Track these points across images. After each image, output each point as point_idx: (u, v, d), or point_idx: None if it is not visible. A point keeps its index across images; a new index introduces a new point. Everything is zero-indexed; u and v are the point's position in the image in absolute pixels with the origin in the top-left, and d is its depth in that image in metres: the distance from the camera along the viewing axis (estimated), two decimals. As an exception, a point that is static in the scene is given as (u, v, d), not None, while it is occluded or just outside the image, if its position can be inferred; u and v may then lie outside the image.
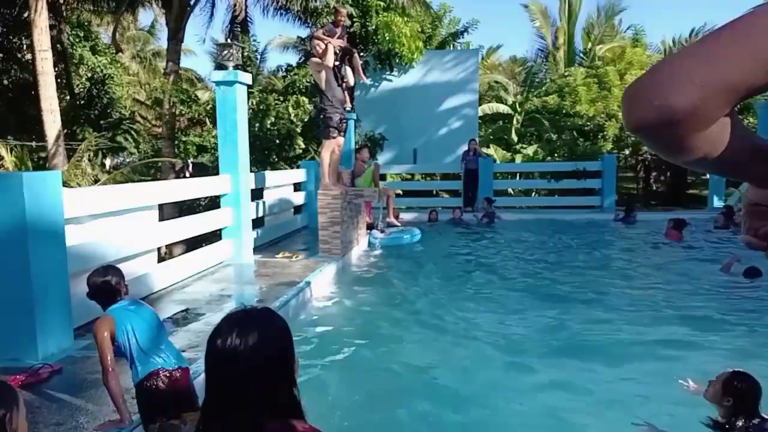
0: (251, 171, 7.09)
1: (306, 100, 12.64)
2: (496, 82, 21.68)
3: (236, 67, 6.49)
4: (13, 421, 1.28)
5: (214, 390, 1.18)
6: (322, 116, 6.86)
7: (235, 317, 1.21)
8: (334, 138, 6.89)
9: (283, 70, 15.61)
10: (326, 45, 6.57)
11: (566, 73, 17.87)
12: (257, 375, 1.14)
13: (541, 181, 13.74)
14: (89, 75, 18.02)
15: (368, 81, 7.79)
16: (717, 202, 12.11)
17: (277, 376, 1.17)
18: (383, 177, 12.62)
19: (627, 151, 16.86)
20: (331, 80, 6.70)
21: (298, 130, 12.67)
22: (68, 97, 17.65)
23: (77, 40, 17.85)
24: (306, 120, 12.69)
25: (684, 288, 5.84)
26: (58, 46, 16.15)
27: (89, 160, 12.98)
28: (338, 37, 6.83)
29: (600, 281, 6.20)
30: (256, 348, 1.15)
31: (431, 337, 4.36)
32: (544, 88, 19.48)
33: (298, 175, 9.62)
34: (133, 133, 19.24)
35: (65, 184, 9.31)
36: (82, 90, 18.12)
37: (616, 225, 10.64)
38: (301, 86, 13.08)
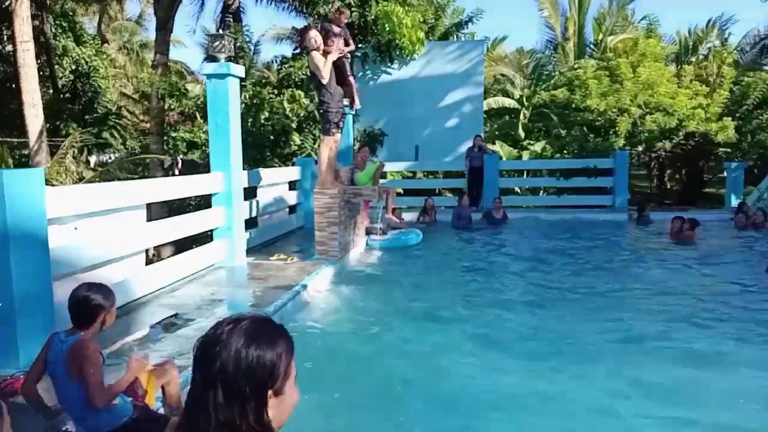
0: (244, 168, 7.09)
1: (302, 93, 12.63)
2: (502, 74, 21.70)
3: (228, 59, 6.48)
4: None
5: (192, 381, 1.15)
6: (321, 111, 6.87)
7: (241, 316, 1.18)
8: (333, 135, 6.89)
9: (278, 62, 15.61)
10: (327, 58, 6.60)
11: (576, 66, 17.88)
12: (226, 379, 1.10)
13: (550, 179, 13.75)
14: (73, 67, 18.02)
15: (358, 106, 8.02)
16: (735, 201, 12.11)
17: (248, 391, 1.10)
18: (383, 175, 12.62)
19: (640, 148, 16.84)
20: (331, 76, 6.72)
21: (294, 125, 12.67)
22: (51, 91, 17.65)
23: (61, 30, 17.84)
24: (302, 115, 12.69)
25: (713, 293, 5.83)
26: (41, 37, 16.14)
27: (73, 157, 12.96)
28: (339, 37, 6.85)
29: (615, 286, 6.19)
30: (234, 350, 1.11)
31: (434, 345, 4.35)
32: (552, 81, 19.48)
33: (294, 172, 9.62)
34: (119, 128, 19.26)
35: (48, 182, 9.29)
36: (65, 83, 18.13)
37: (629, 226, 10.64)
38: (297, 79, 13.06)
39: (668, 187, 19.60)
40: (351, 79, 7.26)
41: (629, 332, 4.57)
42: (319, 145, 7.55)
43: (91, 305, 2.41)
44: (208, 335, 1.16)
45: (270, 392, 1.13)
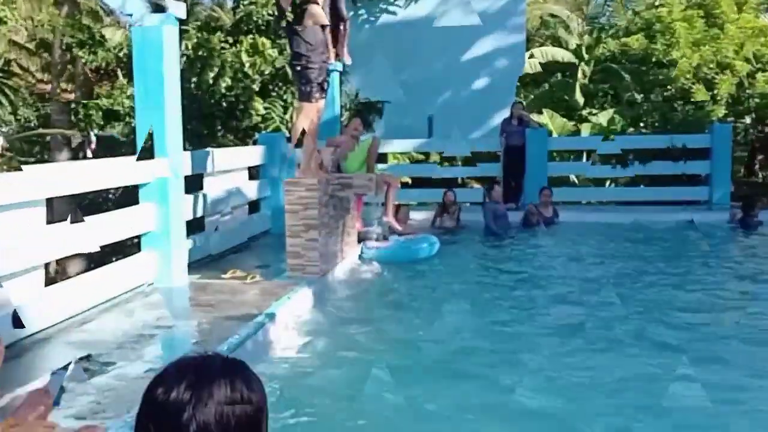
0: (185, 149, 7.09)
1: (268, 42, 12.63)
2: (552, 15, 21.68)
3: (163, -6, 6.50)
4: None
5: None
6: (298, 67, 6.88)
7: (191, 362, 1.23)
8: (315, 101, 6.91)
9: (233, -3, 15.63)
10: None
11: (657, 3, 17.87)
12: None
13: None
14: (-58, 5, 18.03)
15: (349, 61, 8.30)
16: None
17: None
18: (382, 158, 12.63)
19: (748, 119, 16.84)
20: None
21: (256, 87, 12.68)
22: None
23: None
24: (268, 72, 12.70)
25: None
26: None
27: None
28: None
29: (702, 322, 6.19)
30: (215, 409, 1.16)
31: (447, 400, 4.38)
32: (623, 25, 19.48)
33: (256, 154, 9.63)
34: (7, 91, 19.25)
35: None
36: (-69, 28, 18.13)
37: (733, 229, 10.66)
38: (260, 21, 13.07)
39: (789, 175, 19.60)
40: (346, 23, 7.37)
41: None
42: (293, 116, 7.56)
43: None
44: (161, 402, 1.17)
45: None
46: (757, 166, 19.24)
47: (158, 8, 6.59)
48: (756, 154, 18.88)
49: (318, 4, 6.82)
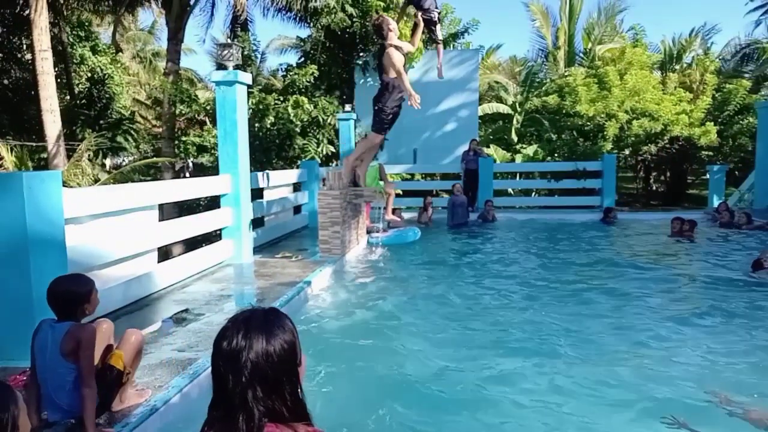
0: (251, 171, 7.09)
1: (305, 100, 12.64)
2: (496, 82, 21.68)
3: (236, 67, 6.49)
4: (16, 423, 1.27)
5: (218, 391, 1.19)
6: (377, 107, 6.59)
7: (242, 318, 1.21)
8: (379, 133, 6.70)
9: (283, 70, 15.60)
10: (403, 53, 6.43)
11: (566, 73, 17.89)
12: (262, 376, 1.15)
13: (541, 181, 13.75)
14: (89, 75, 18.05)
15: (442, 77, 7.95)
16: (716, 202, 12.12)
17: (282, 377, 1.17)
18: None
19: (627, 151, 16.86)
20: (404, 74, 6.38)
21: (298, 130, 12.69)
22: (68, 97, 17.66)
23: (77, 40, 17.87)
24: (305, 120, 12.70)
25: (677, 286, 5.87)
26: (59, 46, 16.15)
27: (89, 160, 12.98)
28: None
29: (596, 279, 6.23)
30: (261, 349, 1.15)
31: (432, 337, 4.35)
32: (544, 88, 19.50)
33: (298, 174, 9.62)
34: (132, 132, 19.24)
35: (65, 183, 9.31)
36: (82, 90, 18.14)
37: (603, 224, 10.73)
38: (300, 86, 13.09)
39: (654, 188, 19.61)
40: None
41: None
42: (358, 140, 7.34)
43: (73, 297, 2.37)
44: (225, 351, 1.17)
45: (299, 368, 1.22)
46: (652, 180, 19.33)
47: (221, 67, 6.57)
48: (651, 173, 18.96)
49: (393, 44, 6.39)
